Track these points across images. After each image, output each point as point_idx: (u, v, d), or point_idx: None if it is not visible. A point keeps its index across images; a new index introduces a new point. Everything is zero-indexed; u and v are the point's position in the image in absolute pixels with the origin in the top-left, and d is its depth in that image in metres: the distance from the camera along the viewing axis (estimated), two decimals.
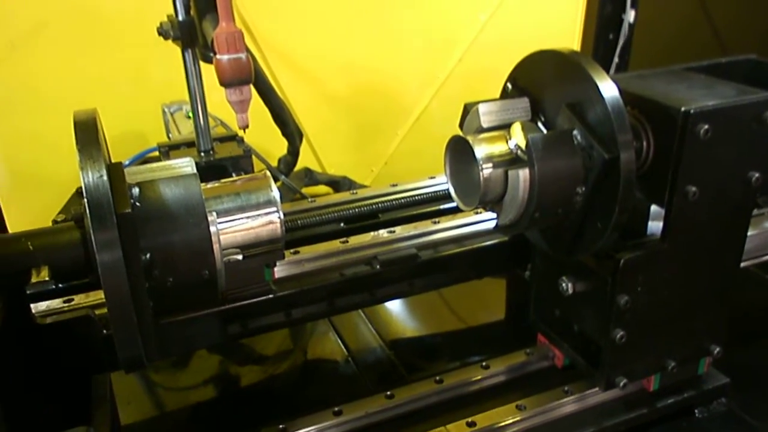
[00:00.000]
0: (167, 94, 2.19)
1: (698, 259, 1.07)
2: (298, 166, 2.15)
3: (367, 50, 2.65)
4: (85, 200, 0.76)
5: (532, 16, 2.83)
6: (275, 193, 0.92)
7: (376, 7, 2.61)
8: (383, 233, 1.40)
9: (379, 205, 1.47)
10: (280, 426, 1.13)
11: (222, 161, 1.68)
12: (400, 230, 1.41)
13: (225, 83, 1.35)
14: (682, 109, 0.94)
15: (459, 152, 1.02)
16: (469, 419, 1.13)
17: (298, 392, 1.36)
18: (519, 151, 0.97)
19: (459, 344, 1.51)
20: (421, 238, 1.39)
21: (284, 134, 1.92)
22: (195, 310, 1.09)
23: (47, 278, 0.86)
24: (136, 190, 0.83)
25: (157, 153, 1.84)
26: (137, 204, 0.82)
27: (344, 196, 1.59)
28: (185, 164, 0.89)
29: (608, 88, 0.92)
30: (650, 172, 1.01)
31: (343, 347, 1.47)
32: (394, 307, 1.61)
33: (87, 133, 0.81)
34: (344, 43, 2.60)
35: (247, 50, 1.35)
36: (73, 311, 1.14)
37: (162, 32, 1.55)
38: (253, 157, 1.73)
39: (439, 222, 1.43)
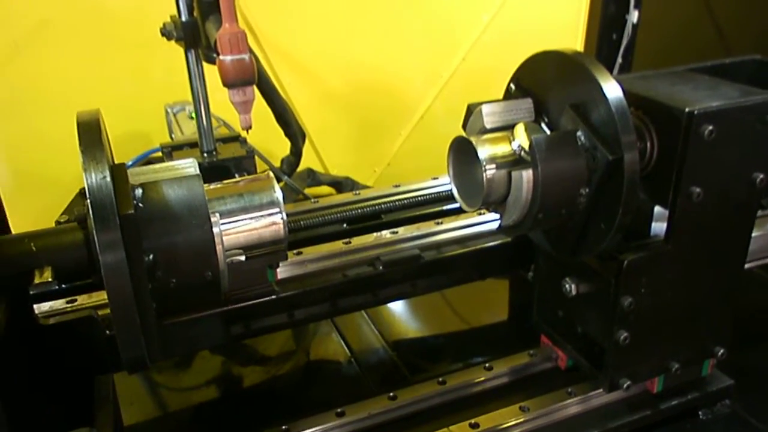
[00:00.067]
0: (170, 94, 2.20)
1: (702, 261, 1.07)
2: (301, 166, 2.16)
3: (370, 50, 2.65)
4: (88, 201, 0.76)
5: (535, 16, 2.83)
6: (278, 194, 0.92)
7: (379, 7, 2.61)
8: (386, 234, 1.40)
9: (382, 206, 1.47)
10: (283, 427, 1.13)
11: (225, 162, 1.68)
12: (402, 231, 1.41)
13: (228, 84, 1.35)
14: (686, 109, 0.93)
15: (462, 153, 1.02)
16: (472, 420, 1.13)
17: (300, 393, 1.36)
18: (522, 152, 0.97)
19: (462, 345, 1.50)
20: (424, 239, 1.39)
21: (287, 135, 1.93)
22: (198, 311, 1.09)
23: (50, 279, 0.87)
24: (139, 191, 0.83)
25: (160, 153, 1.85)
26: (140, 205, 0.82)
27: (347, 196, 1.59)
28: (188, 165, 0.89)
29: (612, 89, 0.91)
30: (654, 173, 1.00)
31: (345, 348, 1.47)
32: (397, 308, 1.61)
33: (90, 134, 0.81)
34: (347, 43, 2.60)
35: (250, 51, 1.36)
36: (76, 312, 1.14)
37: (165, 33, 1.55)
38: (256, 157, 1.73)
39: (442, 223, 1.43)
